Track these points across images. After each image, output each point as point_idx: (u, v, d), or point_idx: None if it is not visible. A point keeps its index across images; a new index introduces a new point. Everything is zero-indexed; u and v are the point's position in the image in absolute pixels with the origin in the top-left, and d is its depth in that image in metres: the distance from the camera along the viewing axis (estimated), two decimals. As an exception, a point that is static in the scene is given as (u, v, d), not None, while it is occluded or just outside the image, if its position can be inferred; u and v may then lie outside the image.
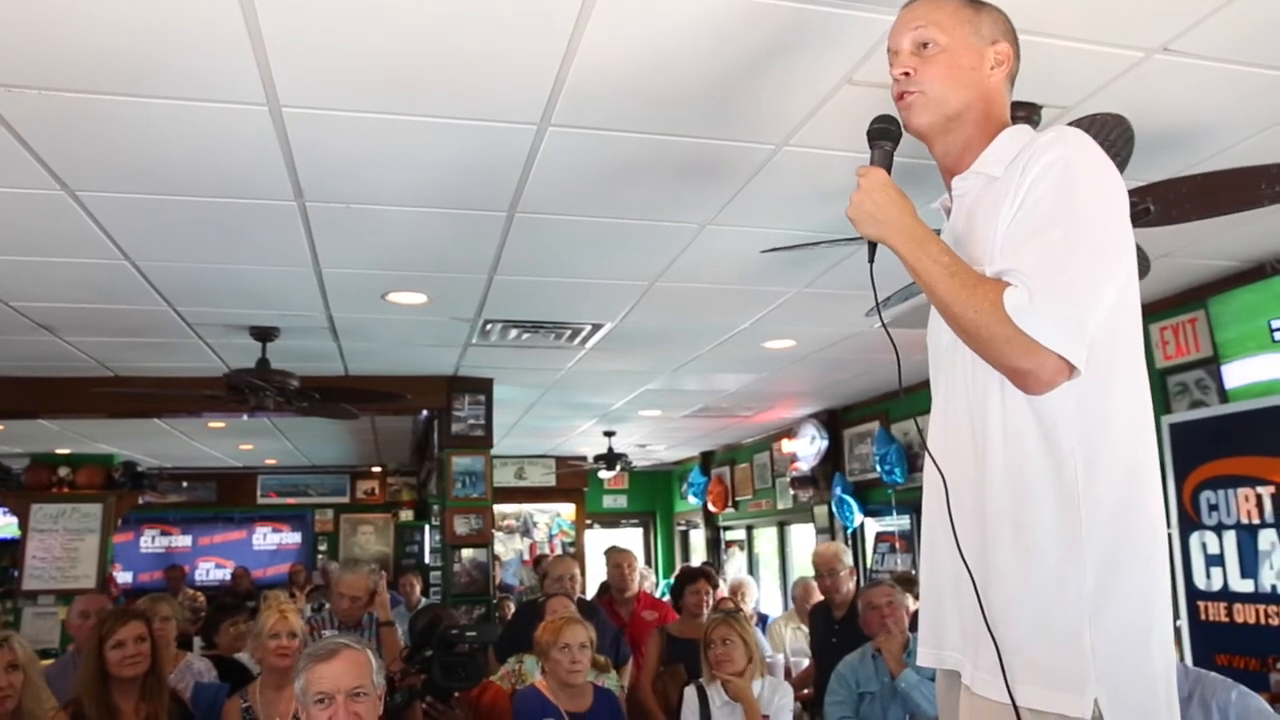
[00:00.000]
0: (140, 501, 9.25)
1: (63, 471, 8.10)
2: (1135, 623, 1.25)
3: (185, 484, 11.45)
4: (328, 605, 4.32)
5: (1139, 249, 2.63)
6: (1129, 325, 1.34)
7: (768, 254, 3.44)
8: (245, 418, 6.70)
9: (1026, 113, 2.42)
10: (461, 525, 6.08)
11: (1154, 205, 2.54)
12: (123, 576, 10.59)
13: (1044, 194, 1.28)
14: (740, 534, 10.51)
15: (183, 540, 11.57)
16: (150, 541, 11.44)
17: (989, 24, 1.46)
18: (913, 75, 1.44)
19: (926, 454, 1.43)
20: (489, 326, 4.79)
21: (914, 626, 3.81)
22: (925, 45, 1.44)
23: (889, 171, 1.42)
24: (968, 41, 1.44)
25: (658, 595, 7.05)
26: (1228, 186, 2.53)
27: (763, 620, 7.10)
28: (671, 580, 5.79)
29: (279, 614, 3.20)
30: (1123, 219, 1.33)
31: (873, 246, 1.42)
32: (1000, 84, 1.46)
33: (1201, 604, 3.74)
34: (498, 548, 10.24)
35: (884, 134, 1.45)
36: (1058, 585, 1.25)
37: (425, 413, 6.80)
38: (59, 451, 8.30)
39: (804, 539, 8.76)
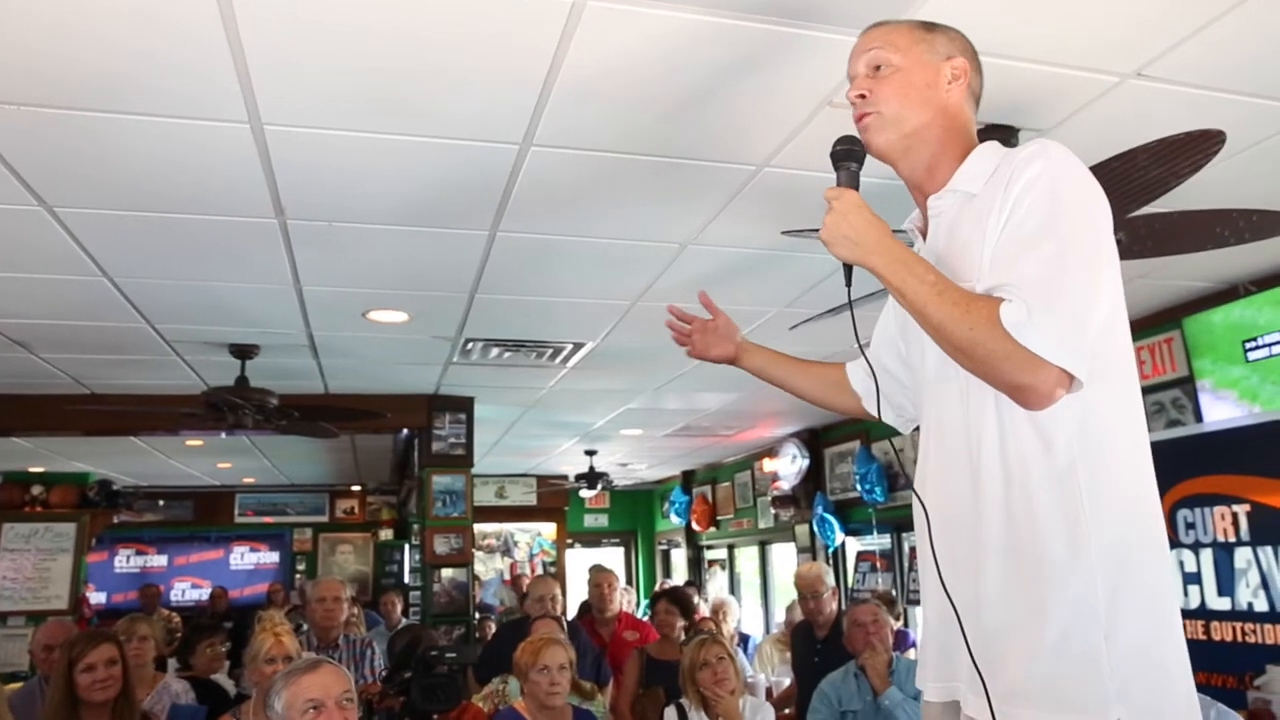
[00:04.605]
0: (115, 520, 9.13)
1: (36, 490, 7.99)
2: (1145, 636, 1.23)
3: (162, 503, 11.30)
4: (306, 626, 4.28)
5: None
6: (1120, 334, 1.33)
7: (755, 259, 3.46)
8: (223, 436, 6.65)
9: (1003, 136, 2.46)
10: (441, 545, 6.04)
11: (1125, 237, 2.58)
12: (96, 597, 10.42)
13: (1032, 207, 1.27)
14: (722, 553, 10.49)
15: (158, 560, 11.41)
16: (125, 561, 11.27)
17: (944, 42, 1.46)
18: (868, 96, 1.45)
19: (912, 490, 1.41)
20: (470, 345, 4.78)
21: (896, 645, 3.83)
22: (879, 67, 1.44)
23: (857, 192, 1.40)
24: (921, 59, 1.44)
25: (638, 615, 7.02)
26: (1187, 228, 2.58)
27: (744, 640, 7.08)
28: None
29: (274, 638, 3.15)
30: (1109, 230, 1.32)
31: (848, 270, 1.40)
32: (960, 99, 1.45)
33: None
34: (478, 567, 10.17)
35: (849, 155, 1.44)
36: (1072, 604, 1.22)
37: (405, 431, 6.76)
38: (32, 469, 8.18)
39: (785, 558, 8.76)
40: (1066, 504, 1.25)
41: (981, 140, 1.47)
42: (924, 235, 1.50)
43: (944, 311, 1.25)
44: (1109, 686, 1.20)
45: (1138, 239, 2.61)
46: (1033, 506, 1.27)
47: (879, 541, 6.99)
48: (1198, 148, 2.23)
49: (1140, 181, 2.31)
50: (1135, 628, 1.22)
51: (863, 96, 1.45)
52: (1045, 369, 1.20)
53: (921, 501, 1.39)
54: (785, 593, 8.13)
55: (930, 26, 1.48)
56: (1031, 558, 1.26)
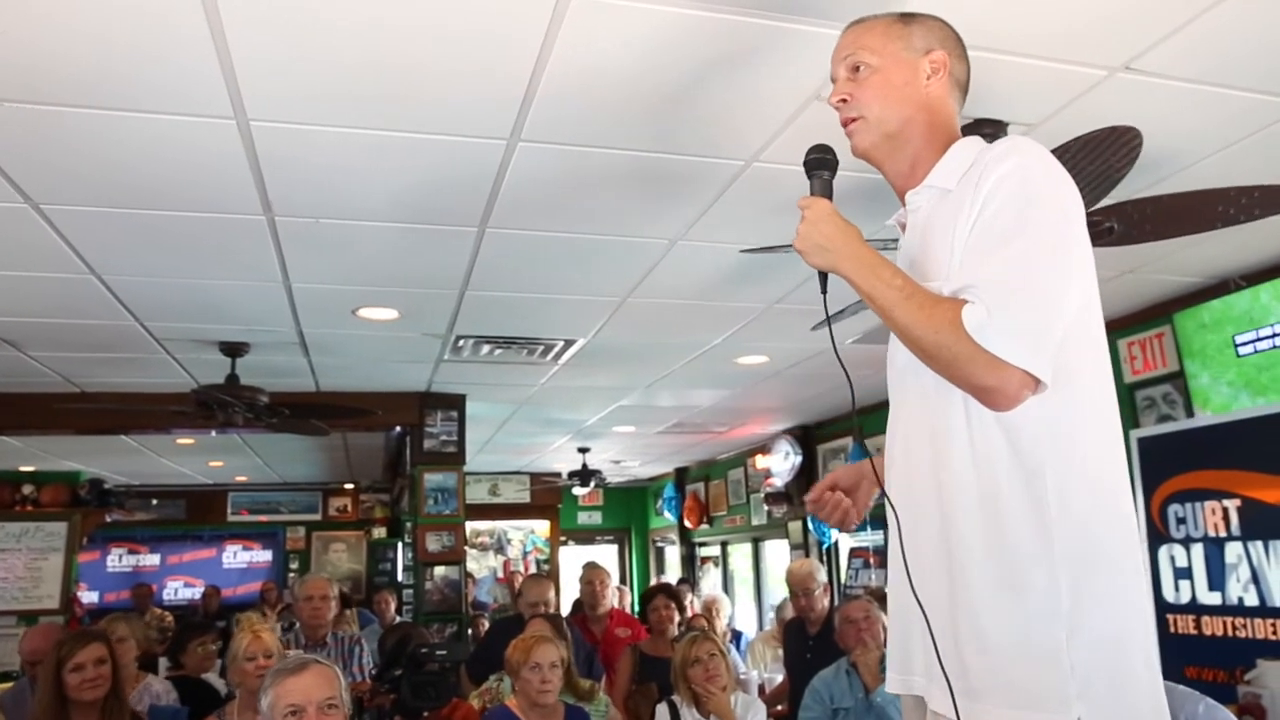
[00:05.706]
0: (107, 519, 9.11)
1: (26, 489, 7.98)
2: (1109, 635, 1.23)
3: (154, 502, 11.26)
4: (297, 625, 4.27)
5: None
6: (1094, 328, 1.32)
7: (745, 256, 3.46)
8: (214, 434, 6.62)
9: (992, 129, 2.45)
10: (433, 542, 6.03)
11: (1117, 224, 2.58)
12: (89, 596, 10.39)
13: (1002, 205, 1.26)
14: (715, 550, 10.49)
15: (151, 559, 11.36)
16: (117, 560, 11.22)
17: (920, 35, 1.45)
18: (850, 101, 1.45)
19: (880, 490, 1.42)
20: (461, 342, 4.77)
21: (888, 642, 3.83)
22: (858, 69, 1.45)
23: (830, 200, 1.41)
24: (899, 57, 1.43)
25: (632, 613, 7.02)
26: (1187, 209, 2.58)
27: (737, 637, 7.08)
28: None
29: (252, 635, 3.16)
30: (1082, 227, 1.32)
31: (824, 277, 1.41)
32: (941, 93, 1.45)
33: (1170, 617, 3.77)
34: (471, 565, 10.16)
35: (821, 163, 1.44)
36: (1036, 604, 1.22)
37: (398, 429, 6.74)
38: (23, 469, 8.15)
39: (778, 555, 8.76)
40: (1033, 504, 1.25)
41: (968, 134, 1.47)
42: (905, 231, 1.50)
43: (910, 315, 1.26)
44: (1070, 684, 1.20)
45: (1133, 224, 2.59)
46: (999, 507, 1.27)
47: (873, 538, 6.99)
48: (1120, 141, 2.26)
49: (1080, 176, 2.31)
50: (1099, 626, 1.23)
51: (844, 101, 1.46)
52: (1008, 371, 1.20)
53: (890, 502, 1.40)
54: (778, 589, 8.13)
55: (908, 19, 1.47)
56: (996, 557, 1.26)
